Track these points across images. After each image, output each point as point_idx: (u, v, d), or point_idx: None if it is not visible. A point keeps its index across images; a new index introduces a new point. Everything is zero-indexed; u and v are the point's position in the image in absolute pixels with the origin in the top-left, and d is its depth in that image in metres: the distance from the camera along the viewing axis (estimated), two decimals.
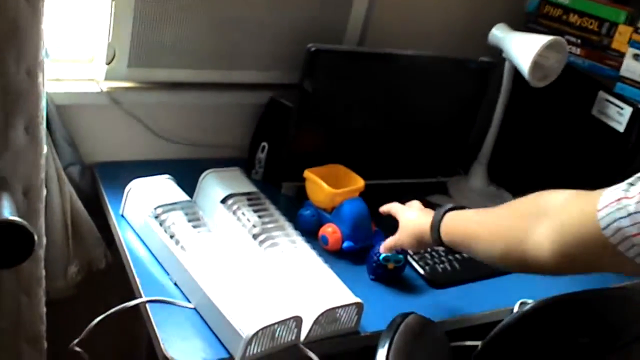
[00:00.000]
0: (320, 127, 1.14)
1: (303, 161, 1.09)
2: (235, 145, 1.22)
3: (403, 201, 0.97)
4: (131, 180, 1.00)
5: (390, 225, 0.96)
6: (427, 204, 0.96)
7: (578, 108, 1.22)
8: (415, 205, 0.95)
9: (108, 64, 1.05)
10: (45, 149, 0.89)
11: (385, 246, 0.95)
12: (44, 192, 0.91)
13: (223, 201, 1.00)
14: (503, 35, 1.19)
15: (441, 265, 1.05)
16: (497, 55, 1.22)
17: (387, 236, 0.96)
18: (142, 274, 0.90)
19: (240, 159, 1.18)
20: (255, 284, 0.86)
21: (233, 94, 1.19)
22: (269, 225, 0.98)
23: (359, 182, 1.08)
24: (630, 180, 0.60)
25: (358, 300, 0.87)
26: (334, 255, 1.02)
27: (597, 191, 0.62)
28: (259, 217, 0.98)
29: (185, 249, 0.90)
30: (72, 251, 1.05)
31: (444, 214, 0.84)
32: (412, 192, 1.04)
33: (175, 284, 0.89)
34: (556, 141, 1.28)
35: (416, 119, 1.24)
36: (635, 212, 0.57)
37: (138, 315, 0.87)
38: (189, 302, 0.86)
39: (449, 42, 1.28)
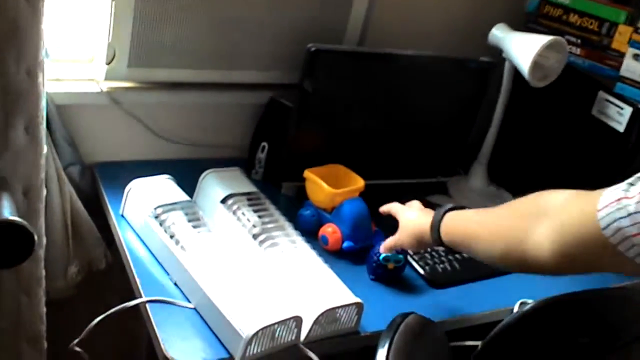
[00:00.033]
0: (320, 127, 1.14)
1: (303, 161, 1.09)
2: (235, 145, 1.22)
3: (403, 201, 0.97)
4: (131, 180, 1.00)
5: (390, 225, 0.96)
6: (427, 204, 0.96)
7: (578, 108, 1.22)
8: (415, 205, 0.94)
9: (108, 64, 1.05)
10: (45, 149, 0.89)
11: (385, 246, 0.95)
12: (44, 192, 0.91)
13: (223, 201, 1.00)
14: (503, 35, 1.19)
15: (441, 265, 1.05)
16: (497, 55, 1.22)
17: (387, 236, 0.96)
18: (142, 274, 0.90)
19: (240, 159, 1.18)
20: (255, 284, 0.86)
21: (233, 94, 1.18)
22: (269, 225, 0.98)
23: (359, 182, 1.08)
24: (630, 180, 0.60)
25: (358, 300, 0.87)
26: (333, 255, 1.02)
27: (597, 191, 0.62)
28: (259, 217, 0.98)
29: (185, 249, 0.90)
30: (72, 251, 1.05)
31: (444, 214, 0.84)
32: (412, 192, 1.04)
33: (175, 284, 0.89)
34: (556, 141, 1.28)
35: (416, 118, 1.23)
36: (635, 212, 0.57)
37: (138, 316, 0.87)
38: (189, 302, 0.86)
39: (449, 42, 1.28)
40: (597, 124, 1.18)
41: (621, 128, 1.14)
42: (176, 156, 1.18)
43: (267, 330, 0.78)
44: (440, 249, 1.06)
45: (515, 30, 1.20)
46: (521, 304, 0.94)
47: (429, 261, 1.05)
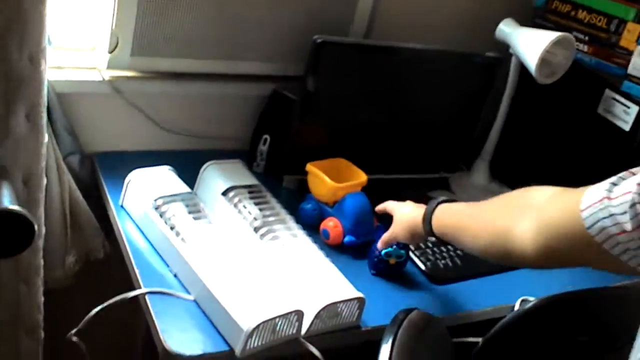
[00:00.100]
0: (323, 120, 1.13)
1: (305, 154, 1.08)
2: (237, 137, 1.21)
3: (402, 198, 0.97)
4: (131, 170, 0.99)
5: (392, 220, 0.95)
6: (428, 200, 0.95)
7: (584, 106, 1.21)
8: (409, 202, 0.95)
9: (111, 52, 1.04)
10: (46, 137, 0.88)
11: (382, 241, 0.96)
12: (44, 181, 0.90)
13: (224, 193, 0.99)
14: (510, 31, 1.18)
15: (442, 262, 1.04)
16: (504, 50, 1.21)
17: None
18: (141, 265, 0.90)
19: (242, 151, 1.17)
20: (256, 277, 0.85)
21: (236, 85, 1.18)
22: (270, 219, 0.97)
23: (362, 177, 1.08)
24: (613, 179, 0.61)
25: (360, 295, 0.86)
26: (335, 250, 1.01)
27: (581, 189, 0.63)
28: (260, 210, 0.97)
29: (185, 240, 0.89)
30: (70, 241, 1.04)
31: (436, 206, 0.86)
32: (414, 188, 1.04)
33: (175, 276, 0.89)
34: (561, 139, 1.27)
35: (420, 113, 1.23)
36: (617, 214, 0.58)
37: (137, 307, 0.86)
38: (189, 294, 0.86)
39: (455, 36, 1.27)
40: (603, 123, 1.17)
41: (627, 127, 1.13)
42: (177, 147, 1.17)
43: (268, 324, 0.78)
44: (444, 245, 1.06)
45: (523, 25, 1.19)
46: (522, 301, 0.94)
47: (431, 257, 1.04)
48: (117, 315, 0.86)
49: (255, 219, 0.96)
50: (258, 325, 0.76)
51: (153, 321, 0.81)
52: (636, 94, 1.13)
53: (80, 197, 1.04)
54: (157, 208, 0.93)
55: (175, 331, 0.80)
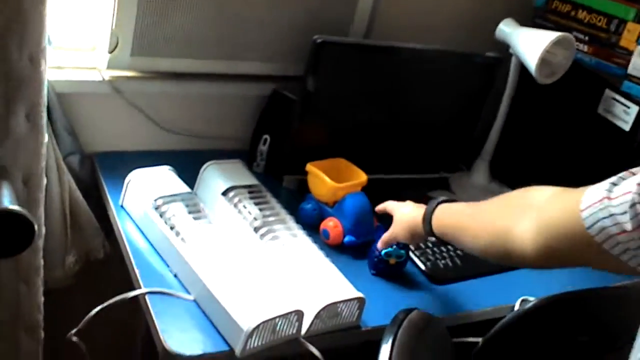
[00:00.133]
0: (323, 120, 1.13)
1: (305, 154, 1.08)
2: (237, 137, 1.21)
3: (402, 198, 0.97)
4: (131, 170, 0.99)
5: (392, 220, 0.95)
6: (428, 200, 0.95)
7: (584, 106, 1.21)
8: (409, 202, 0.95)
9: (111, 52, 1.04)
10: (46, 137, 0.88)
11: (382, 241, 0.96)
12: (44, 181, 0.90)
13: (224, 193, 0.99)
14: (510, 31, 1.18)
15: (442, 262, 1.04)
16: (504, 50, 1.21)
17: None
18: (141, 265, 0.90)
19: (242, 151, 1.17)
20: (256, 277, 0.85)
21: (236, 85, 1.18)
22: (270, 219, 0.97)
23: (362, 177, 1.08)
24: (613, 179, 0.61)
25: (360, 295, 0.86)
26: (334, 250, 1.01)
27: (581, 189, 0.63)
28: (260, 210, 0.97)
29: (185, 240, 0.89)
30: (70, 241, 1.04)
31: (436, 206, 0.86)
32: (414, 188, 1.04)
33: (175, 276, 0.89)
34: (561, 139, 1.27)
35: (420, 113, 1.23)
36: (617, 214, 0.58)
37: (137, 307, 0.86)
38: (189, 294, 0.86)
39: (455, 36, 1.27)
40: (603, 123, 1.17)
41: (627, 127, 1.13)
42: (177, 147, 1.17)
43: (268, 324, 0.78)
44: (444, 245, 1.06)
45: (523, 25, 1.19)
46: (522, 301, 0.94)
47: (431, 257, 1.04)
48: (117, 315, 0.86)
49: (255, 219, 0.96)
50: (258, 325, 0.76)
51: (153, 321, 0.81)
52: (636, 94, 1.13)
53: (80, 197, 1.04)
54: (157, 208, 0.93)
55: (175, 331, 0.80)
